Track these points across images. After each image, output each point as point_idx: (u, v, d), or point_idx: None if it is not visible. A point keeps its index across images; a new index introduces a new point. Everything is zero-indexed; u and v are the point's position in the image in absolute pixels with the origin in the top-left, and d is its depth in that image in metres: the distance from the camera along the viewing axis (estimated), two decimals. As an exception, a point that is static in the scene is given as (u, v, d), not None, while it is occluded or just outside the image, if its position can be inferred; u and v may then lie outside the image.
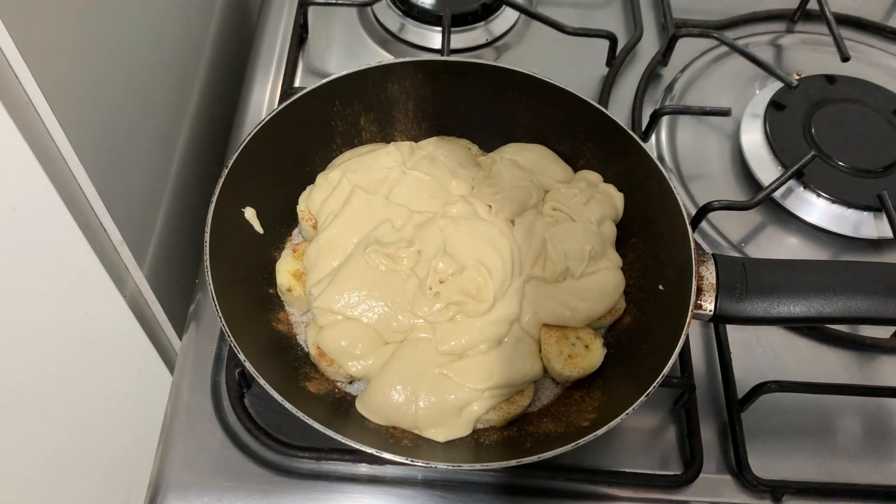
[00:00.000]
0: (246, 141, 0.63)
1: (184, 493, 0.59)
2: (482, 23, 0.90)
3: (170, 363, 0.78)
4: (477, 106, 0.72)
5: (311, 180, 0.69)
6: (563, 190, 0.67)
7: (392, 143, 0.71)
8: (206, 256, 0.57)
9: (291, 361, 0.61)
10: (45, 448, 0.89)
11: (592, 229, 0.65)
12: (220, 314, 0.55)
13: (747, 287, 0.55)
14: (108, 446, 0.92)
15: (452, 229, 0.63)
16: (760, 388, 0.63)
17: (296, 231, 0.69)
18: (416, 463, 0.51)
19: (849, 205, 0.75)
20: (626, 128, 0.65)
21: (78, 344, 0.72)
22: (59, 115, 0.53)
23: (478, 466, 0.53)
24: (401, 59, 0.70)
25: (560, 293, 0.62)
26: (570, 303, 0.62)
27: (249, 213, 0.64)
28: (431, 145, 0.70)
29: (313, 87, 0.67)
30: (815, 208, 0.76)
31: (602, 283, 0.63)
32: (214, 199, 0.60)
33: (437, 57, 0.77)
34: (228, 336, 0.54)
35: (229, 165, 0.61)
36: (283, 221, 0.68)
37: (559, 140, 0.71)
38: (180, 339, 0.71)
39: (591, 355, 0.61)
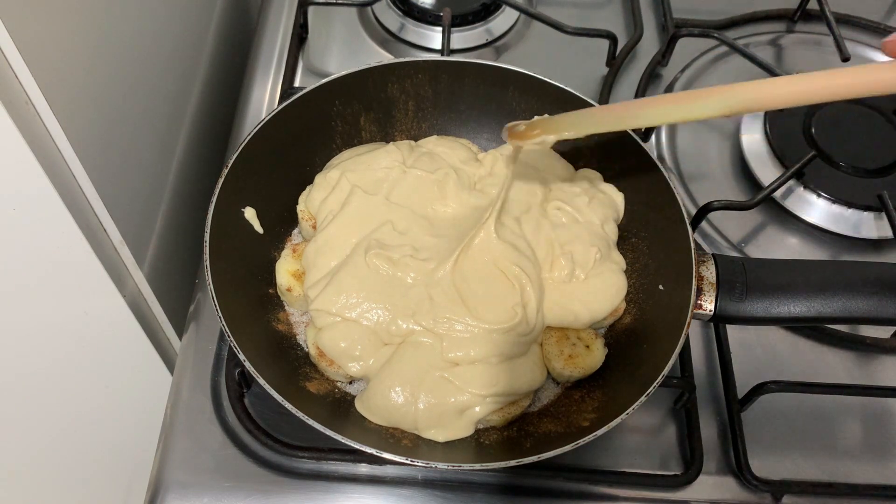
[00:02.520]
0: (246, 141, 0.63)
1: (184, 493, 0.59)
2: (482, 23, 0.90)
3: (170, 363, 0.79)
4: (477, 106, 0.72)
5: (312, 180, 0.68)
6: (566, 188, 0.67)
7: (391, 142, 0.71)
8: (206, 256, 0.57)
9: (291, 361, 0.61)
10: (44, 448, 0.89)
11: (598, 231, 0.64)
12: (220, 314, 0.55)
13: (747, 287, 0.55)
14: (108, 446, 0.92)
15: (464, 257, 0.61)
16: (760, 388, 0.63)
17: (296, 231, 0.69)
18: (416, 463, 0.51)
19: (849, 205, 0.75)
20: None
21: (78, 344, 0.72)
22: (59, 115, 0.53)
23: (478, 466, 0.53)
24: (401, 59, 0.70)
25: (564, 296, 0.62)
26: (574, 306, 0.62)
27: (249, 213, 0.64)
28: (431, 143, 0.70)
29: (313, 86, 0.66)
30: (815, 208, 0.76)
31: (606, 286, 0.63)
32: (214, 199, 0.60)
33: (437, 57, 0.77)
34: (228, 336, 0.54)
35: (229, 165, 0.61)
36: (283, 221, 0.68)
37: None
38: (180, 339, 0.71)
39: (592, 355, 0.61)
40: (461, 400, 0.57)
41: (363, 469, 0.61)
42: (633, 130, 0.67)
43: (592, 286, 0.62)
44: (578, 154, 0.70)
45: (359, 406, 0.59)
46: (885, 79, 0.45)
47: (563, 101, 0.68)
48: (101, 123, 0.61)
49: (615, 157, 0.68)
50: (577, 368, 0.60)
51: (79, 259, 0.60)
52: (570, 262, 0.62)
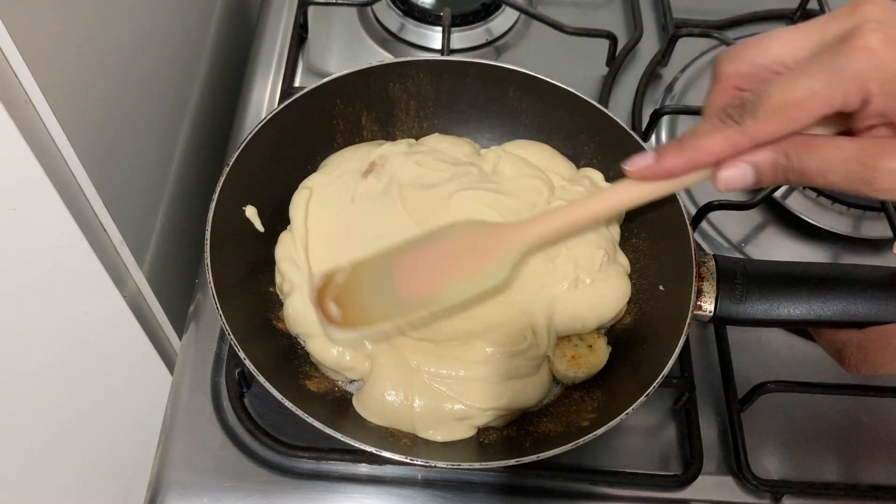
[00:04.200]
0: (247, 139, 0.62)
1: (184, 493, 0.59)
2: (482, 23, 0.90)
3: (170, 363, 0.79)
4: (478, 105, 0.72)
5: (312, 179, 0.68)
6: (569, 188, 0.66)
7: (390, 142, 0.71)
8: (207, 254, 0.57)
9: (291, 360, 0.61)
10: (44, 448, 0.89)
11: (603, 232, 0.64)
12: (221, 312, 0.55)
13: (748, 288, 0.55)
14: (108, 446, 0.92)
15: None
16: (760, 388, 0.63)
17: (296, 230, 0.69)
18: (415, 462, 0.51)
19: (849, 205, 0.75)
20: (627, 128, 0.65)
21: (78, 344, 0.72)
22: (59, 115, 0.53)
23: (477, 466, 0.53)
24: (403, 59, 0.70)
25: (573, 304, 0.61)
26: (583, 313, 0.61)
27: (250, 212, 0.64)
28: (433, 140, 0.70)
29: (314, 85, 0.66)
30: (815, 208, 0.76)
31: (612, 290, 0.62)
32: (215, 197, 0.60)
33: (439, 56, 0.77)
34: (229, 334, 0.54)
35: (230, 164, 0.61)
36: (284, 220, 0.67)
37: (561, 140, 0.71)
38: (180, 339, 0.71)
39: (596, 354, 0.61)
40: (458, 409, 0.56)
41: (363, 469, 0.61)
42: (634, 130, 0.67)
43: (600, 290, 0.62)
44: (580, 155, 0.70)
45: (356, 406, 0.59)
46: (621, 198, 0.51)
47: (565, 102, 0.68)
48: (100, 123, 0.61)
49: (616, 158, 0.68)
50: (581, 369, 0.60)
51: (79, 259, 0.60)
52: (573, 268, 0.61)
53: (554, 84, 0.68)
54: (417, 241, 0.58)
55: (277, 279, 0.64)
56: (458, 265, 0.55)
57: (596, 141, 0.69)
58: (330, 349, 0.59)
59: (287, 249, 0.63)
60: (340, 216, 0.64)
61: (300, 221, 0.64)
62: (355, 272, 0.57)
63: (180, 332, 0.75)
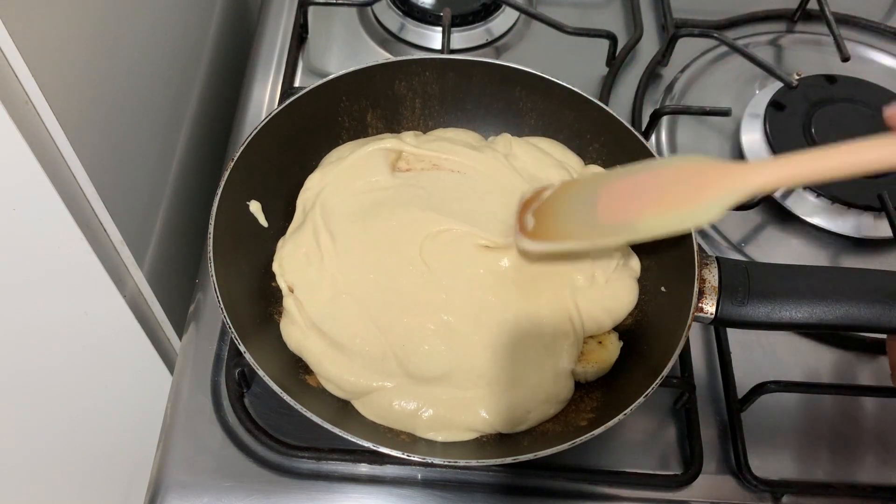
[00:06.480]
0: (253, 135, 0.62)
1: (184, 493, 0.59)
2: (482, 23, 0.90)
3: (170, 363, 0.78)
4: (484, 104, 0.72)
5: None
6: None
7: (390, 134, 0.71)
8: (210, 248, 0.57)
9: (292, 354, 0.61)
10: (44, 448, 0.89)
11: None
12: (222, 304, 0.54)
13: (750, 291, 0.54)
14: (108, 446, 0.92)
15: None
16: (760, 388, 0.63)
17: (298, 227, 0.68)
18: (411, 458, 0.51)
19: (849, 205, 0.75)
20: (634, 130, 0.65)
21: (78, 344, 0.72)
22: (59, 115, 0.53)
23: (474, 463, 0.53)
24: (408, 57, 0.70)
25: (589, 304, 0.60)
26: (600, 315, 0.60)
27: (255, 207, 0.64)
28: (438, 132, 0.70)
29: (321, 82, 0.66)
30: (815, 208, 0.76)
31: (626, 292, 0.61)
32: (220, 191, 0.59)
33: (446, 55, 0.77)
34: (229, 326, 0.54)
35: (236, 157, 0.61)
36: (288, 215, 0.67)
37: (566, 140, 0.71)
38: (180, 339, 0.71)
39: (606, 350, 0.60)
40: (467, 421, 0.56)
41: (363, 469, 0.61)
42: (635, 128, 0.68)
43: (614, 291, 0.61)
44: (585, 155, 0.70)
45: (356, 404, 0.59)
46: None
47: (571, 102, 0.68)
48: (101, 123, 0.61)
49: (621, 159, 0.67)
50: (591, 364, 0.60)
51: (79, 259, 0.60)
52: (590, 265, 0.61)
53: (560, 84, 0.68)
54: (633, 167, 0.55)
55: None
56: (665, 196, 0.51)
57: (601, 141, 0.69)
58: (330, 369, 0.58)
59: (286, 264, 0.62)
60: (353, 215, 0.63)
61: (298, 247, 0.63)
62: (563, 189, 0.59)
63: (180, 332, 0.75)
